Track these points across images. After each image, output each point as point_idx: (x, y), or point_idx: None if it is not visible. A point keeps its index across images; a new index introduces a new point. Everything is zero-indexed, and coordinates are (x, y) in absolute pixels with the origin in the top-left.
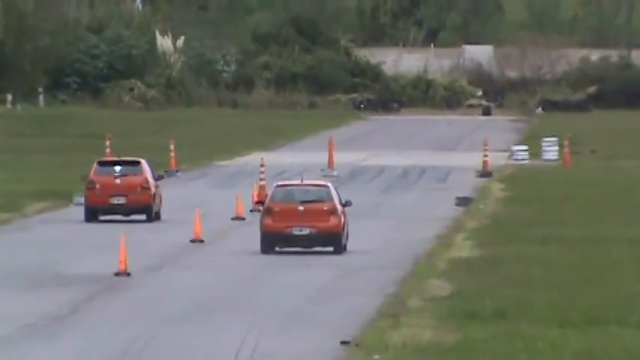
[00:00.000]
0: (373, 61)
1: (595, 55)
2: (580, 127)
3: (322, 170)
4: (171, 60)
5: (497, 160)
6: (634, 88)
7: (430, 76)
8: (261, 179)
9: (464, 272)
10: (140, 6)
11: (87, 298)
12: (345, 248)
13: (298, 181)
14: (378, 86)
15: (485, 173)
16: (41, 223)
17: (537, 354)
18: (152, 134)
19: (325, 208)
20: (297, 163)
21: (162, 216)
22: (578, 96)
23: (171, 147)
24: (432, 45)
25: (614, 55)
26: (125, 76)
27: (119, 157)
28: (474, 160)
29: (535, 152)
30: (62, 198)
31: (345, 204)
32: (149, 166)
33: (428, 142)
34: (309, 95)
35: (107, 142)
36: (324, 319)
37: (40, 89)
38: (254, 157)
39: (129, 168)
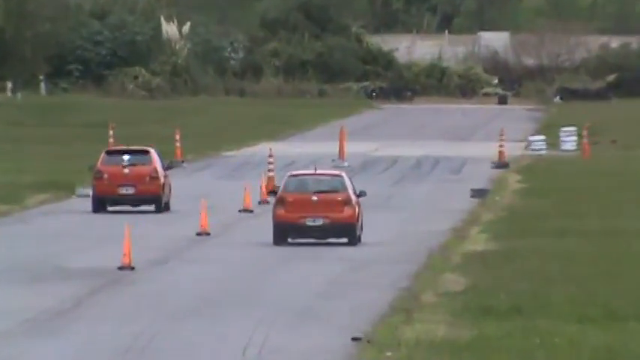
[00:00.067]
0: (385, 48)
1: (615, 42)
2: (599, 116)
3: (333, 161)
4: (177, 47)
5: (513, 150)
6: None
7: (444, 64)
8: (269, 170)
9: (479, 266)
10: None
11: (89, 292)
12: (359, 239)
13: (312, 171)
14: (390, 74)
15: (501, 164)
16: (42, 215)
17: (555, 350)
18: (157, 123)
19: (339, 199)
20: (307, 153)
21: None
22: (598, 84)
23: (177, 137)
24: (447, 31)
25: (634, 42)
26: (129, 64)
27: (126, 146)
28: (489, 150)
29: (553, 142)
30: (64, 189)
31: (360, 194)
32: (158, 155)
33: (442, 132)
34: (319, 83)
35: (110, 132)
36: (335, 314)
37: (41, 77)
38: (262, 148)
39: (137, 157)
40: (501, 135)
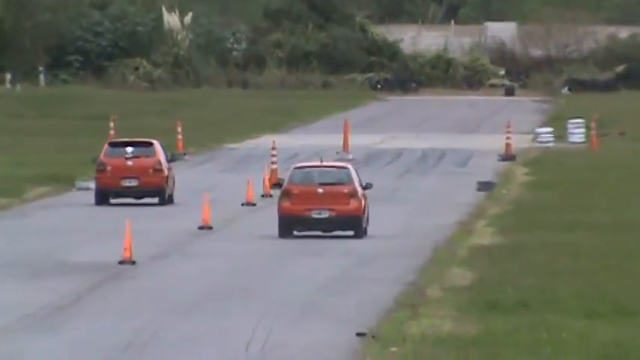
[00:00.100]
0: (390, 38)
1: (624, 33)
2: (608, 107)
3: (337, 153)
4: (179, 38)
5: (520, 142)
6: None
7: (450, 55)
8: (272, 163)
9: (485, 260)
10: None
11: (90, 287)
12: (365, 232)
13: (317, 163)
14: (395, 65)
15: (508, 157)
16: (42, 209)
17: (562, 346)
18: (158, 115)
19: (345, 191)
20: (311, 145)
21: None
22: (606, 75)
23: (179, 129)
24: (453, 22)
25: None
26: (130, 55)
27: (129, 138)
28: (496, 142)
29: (560, 134)
30: (64, 182)
31: (366, 186)
32: (162, 147)
33: (448, 124)
34: (323, 75)
35: (111, 124)
36: (339, 309)
37: (41, 68)
38: (265, 140)
39: (141, 149)
40: (508, 127)
